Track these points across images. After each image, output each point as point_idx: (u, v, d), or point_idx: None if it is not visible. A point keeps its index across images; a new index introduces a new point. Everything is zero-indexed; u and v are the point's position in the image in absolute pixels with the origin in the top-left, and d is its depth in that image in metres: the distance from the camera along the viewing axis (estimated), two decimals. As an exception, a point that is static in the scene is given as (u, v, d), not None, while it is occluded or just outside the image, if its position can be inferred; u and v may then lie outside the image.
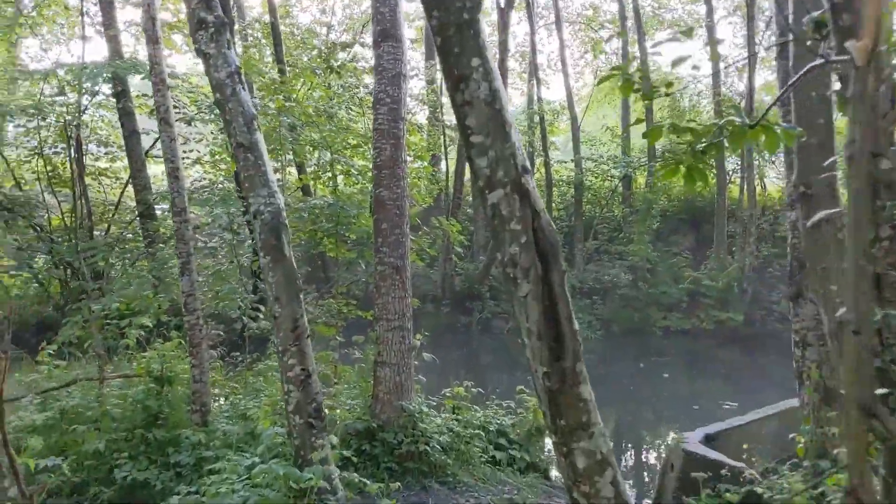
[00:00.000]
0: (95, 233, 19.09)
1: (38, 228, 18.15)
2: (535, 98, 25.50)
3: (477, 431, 8.97)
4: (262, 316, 11.06)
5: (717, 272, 22.84)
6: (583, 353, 3.19)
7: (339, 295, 10.66)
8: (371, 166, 9.54)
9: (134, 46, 21.60)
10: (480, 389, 10.14)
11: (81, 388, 8.79)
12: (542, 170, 24.86)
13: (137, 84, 18.72)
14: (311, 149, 10.83)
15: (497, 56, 21.25)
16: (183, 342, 9.05)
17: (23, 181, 19.90)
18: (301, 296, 5.88)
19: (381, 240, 9.04)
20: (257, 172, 5.81)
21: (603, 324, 22.54)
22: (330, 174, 11.10)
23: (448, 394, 9.93)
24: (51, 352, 9.38)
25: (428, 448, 8.18)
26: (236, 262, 10.67)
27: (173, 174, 8.16)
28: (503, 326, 22.93)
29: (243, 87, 5.84)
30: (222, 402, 9.39)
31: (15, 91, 20.41)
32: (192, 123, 17.46)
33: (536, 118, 24.97)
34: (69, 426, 7.99)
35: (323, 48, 13.45)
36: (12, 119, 16.69)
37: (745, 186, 22.80)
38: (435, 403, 9.71)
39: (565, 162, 25.91)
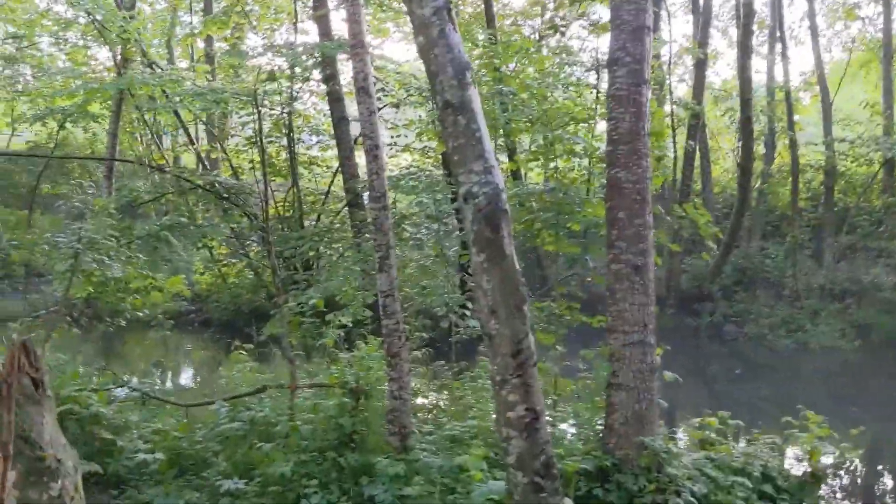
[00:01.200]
0: (306, 223, 18.83)
1: (253, 217, 18.09)
2: (780, 70, 22.27)
3: (739, 478, 6.99)
4: (468, 314, 9.68)
5: None
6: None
7: (559, 296, 9.05)
8: (598, 143, 7.80)
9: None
10: (740, 422, 8.11)
11: (272, 396, 7.85)
12: (787, 153, 21.73)
13: (348, 69, 18.14)
14: (528, 126, 9.28)
15: (741, 21, 18.54)
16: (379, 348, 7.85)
17: (240, 170, 20.07)
18: (527, 308, 4.31)
19: (615, 232, 7.30)
20: (469, 140, 4.31)
21: (858, 332, 19.18)
22: (548, 155, 9.48)
23: (696, 424, 8.03)
24: (243, 352, 8.58)
25: (679, 500, 6.36)
26: (442, 255, 9.37)
27: (372, 152, 6.92)
28: (736, 332, 20.21)
29: (454, 28, 4.35)
30: (425, 418, 8.10)
31: (240, 82, 20.61)
32: (401, 108, 16.59)
33: (779, 94, 21.84)
34: (257, 441, 7.02)
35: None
36: (229, 107, 16.56)
37: None
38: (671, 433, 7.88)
39: (814, 144, 22.47)
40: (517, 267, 4.36)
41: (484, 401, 8.29)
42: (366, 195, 17.54)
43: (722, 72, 35.58)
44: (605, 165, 7.77)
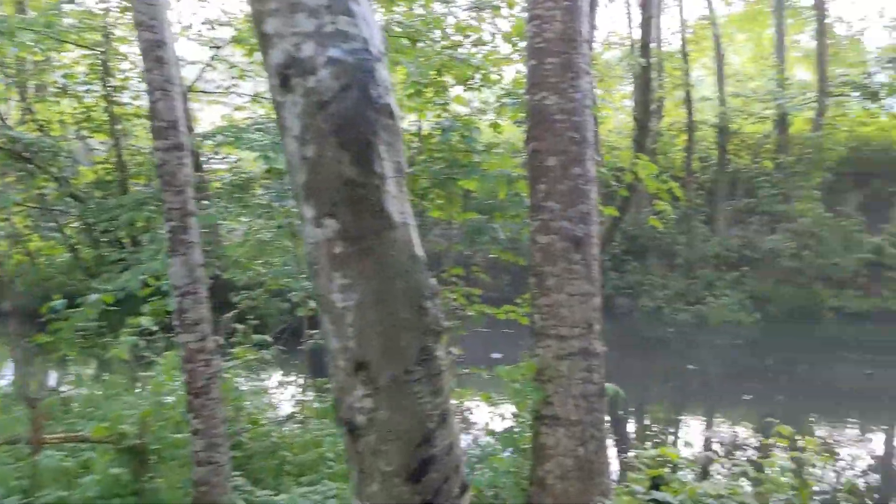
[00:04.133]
0: (134, 188, 15.41)
1: (64, 182, 14.52)
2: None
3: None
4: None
5: (905, 237, 17.85)
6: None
7: (453, 279, 6.57)
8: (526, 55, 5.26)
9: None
10: (709, 454, 5.90)
11: (10, 453, 4.92)
12: (678, 111, 20.14)
13: None
14: (409, 47, 6.66)
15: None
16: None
17: (49, 125, 16.29)
18: (445, 360, 1.72)
19: (543, 187, 4.84)
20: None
21: (756, 304, 17.82)
22: (435, 87, 6.87)
23: (645, 457, 5.78)
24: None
25: None
26: (290, 225, 6.65)
27: (152, 52, 4.13)
28: (630, 305, 18.51)
29: None
30: (267, 464, 5.39)
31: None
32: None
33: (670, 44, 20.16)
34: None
35: None
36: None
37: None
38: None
39: (709, 99, 20.95)
40: (421, 255, 1.76)
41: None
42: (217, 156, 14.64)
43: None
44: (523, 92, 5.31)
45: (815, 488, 5.92)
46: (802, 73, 22.74)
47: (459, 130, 6.08)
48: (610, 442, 9.52)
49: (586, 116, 4.89)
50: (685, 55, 19.84)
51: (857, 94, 18.61)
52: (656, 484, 5.59)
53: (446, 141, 6.12)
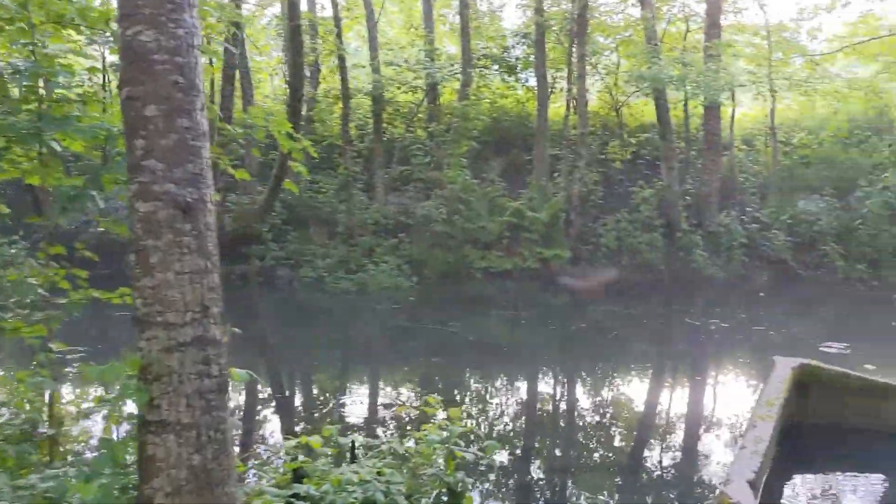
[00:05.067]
0: None
1: None
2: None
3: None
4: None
5: (539, 202, 19.51)
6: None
7: (50, 255, 5.41)
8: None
9: None
10: (358, 436, 5.46)
11: None
12: (333, 78, 19.79)
13: None
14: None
15: None
16: None
17: None
18: None
19: (141, 142, 3.89)
20: None
21: (413, 268, 18.36)
22: (21, 25, 5.50)
23: (285, 445, 5.19)
24: None
25: None
26: None
27: None
28: (291, 275, 17.96)
29: None
30: None
31: None
32: None
33: (324, 8, 19.75)
34: None
35: None
36: None
37: (575, 102, 19.49)
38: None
39: (362, 66, 20.93)
40: None
41: None
42: None
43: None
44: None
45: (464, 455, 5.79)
46: (450, 46, 23.81)
47: (42, 74, 4.90)
48: (277, 431, 8.89)
49: (193, 58, 4.04)
50: (337, 20, 19.60)
51: (497, 67, 19.83)
52: (300, 476, 5.05)
53: (24, 86, 4.90)
